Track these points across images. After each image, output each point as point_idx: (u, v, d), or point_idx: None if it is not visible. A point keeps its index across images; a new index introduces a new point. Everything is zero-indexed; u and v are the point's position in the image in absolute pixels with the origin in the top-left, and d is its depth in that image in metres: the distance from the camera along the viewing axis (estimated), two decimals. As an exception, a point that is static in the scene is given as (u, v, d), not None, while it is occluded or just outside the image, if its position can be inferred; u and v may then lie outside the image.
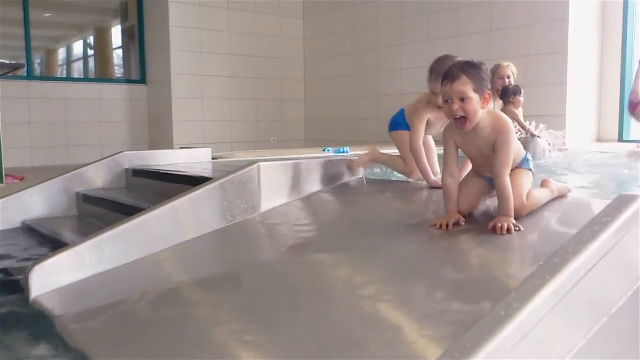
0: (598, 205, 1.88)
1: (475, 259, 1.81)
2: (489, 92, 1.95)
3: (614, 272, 1.30)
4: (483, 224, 1.99)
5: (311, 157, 3.13)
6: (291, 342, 1.41)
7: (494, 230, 1.89)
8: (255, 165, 2.63)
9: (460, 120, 1.94)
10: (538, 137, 4.05)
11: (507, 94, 4.31)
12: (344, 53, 7.75)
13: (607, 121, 5.81)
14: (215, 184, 2.54)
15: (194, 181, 2.86)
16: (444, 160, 2.14)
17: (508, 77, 4.52)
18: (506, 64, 4.60)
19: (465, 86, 1.91)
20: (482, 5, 6.09)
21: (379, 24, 7.23)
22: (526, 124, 4.18)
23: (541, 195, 2.11)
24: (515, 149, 2.06)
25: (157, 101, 7.44)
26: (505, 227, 1.86)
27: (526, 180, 2.07)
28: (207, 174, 3.24)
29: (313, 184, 2.80)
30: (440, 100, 2.16)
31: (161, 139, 7.37)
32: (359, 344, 1.35)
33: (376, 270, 1.81)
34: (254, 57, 7.85)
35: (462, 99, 1.91)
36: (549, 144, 4.09)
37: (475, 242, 1.92)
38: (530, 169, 2.12)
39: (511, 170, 2.02)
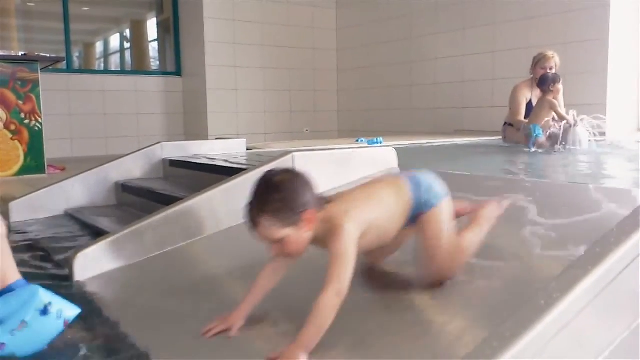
0: (641, 196, 1.83)
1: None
2: (310, 211, 1.44)
3: (659, 263, 1.27)
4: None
5: (345, 148, 3.13)
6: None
7: None
8: (290, 156, 2.64)
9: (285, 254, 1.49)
10: (577, 127, 3.93)
11: (546, 83, 4.16)
12: (377, 43, 7.70)
13: (650, 110, 5.64)
14: (251, 174, 2.56)
15: (230, 171, 2.89)
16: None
17: (551, 69, 4.41)
18: (551, 54, 4.48)
19: (271, 230, 1.42)
20: (519, -8, 5.95)
21: (413, 14, 7.15)
22: (567, 113, 4.06)
23: (475, 238, 1.66)
24: (389, 205, 1.56)
25: (192, 93, 7.53)
26: None
27: (445, 223, 1.59)
28: (242, 164, 3.27)
29: (347, 174, 2.80)
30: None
31: (196, 130, 7.47)
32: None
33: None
34: (287, 48, 7.87)
35: (277, 241, 1.44)
36: (590, 133, 3.97)
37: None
38: (436, 204, 1.59)
39: (417, 219, 1.59)
